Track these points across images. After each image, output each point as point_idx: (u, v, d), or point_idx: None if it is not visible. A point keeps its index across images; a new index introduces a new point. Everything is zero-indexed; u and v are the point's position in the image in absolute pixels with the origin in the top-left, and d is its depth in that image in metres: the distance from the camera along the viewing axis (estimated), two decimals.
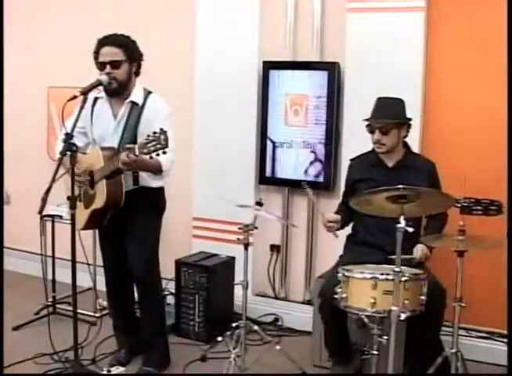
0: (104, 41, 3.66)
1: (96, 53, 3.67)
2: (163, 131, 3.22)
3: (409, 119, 3.76)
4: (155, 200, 3.86)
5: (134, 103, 3.71)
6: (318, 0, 4.65)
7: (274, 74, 4.79)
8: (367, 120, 3.74)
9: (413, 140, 4.02)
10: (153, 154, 3.26)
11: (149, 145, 3.23)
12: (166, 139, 3.21)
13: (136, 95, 3.72)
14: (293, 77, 4.75)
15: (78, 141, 3.59)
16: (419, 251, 3.51)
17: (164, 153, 3.25)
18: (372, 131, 3.73)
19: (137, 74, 3.78)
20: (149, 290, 3.92)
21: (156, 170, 3.60)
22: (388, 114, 3.69)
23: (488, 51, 4.20)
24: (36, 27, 5.75)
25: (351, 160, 4.00)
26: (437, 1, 4.31)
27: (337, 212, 3.92)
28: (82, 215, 3.72)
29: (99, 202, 3.62)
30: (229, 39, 4.85)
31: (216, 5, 4.91)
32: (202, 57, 4.96)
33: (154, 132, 3.24)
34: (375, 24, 4.40)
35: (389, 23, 4.35)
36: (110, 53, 3.62)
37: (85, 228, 3.79)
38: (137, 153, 3.29)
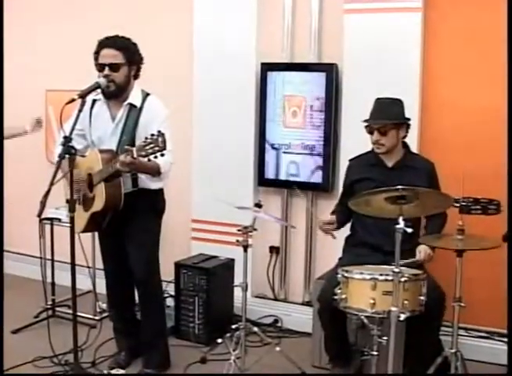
0: (104, 43, 3.65)
1: (96, 54, 3.67)
2: (160, 134, 3.23)
3: (408, 119, 3.77)
4: (154, 202, 3.86)
5: (132, 106, 3.71)
6: (315, 1, 4.66)
7: (272, 75, 4.79)
8: (366, 121, 3.75)
9: (412, 140, 4.03)
10: (151, 157, 3.26)
11: (147, 147, 3.24)
12: (164, 142, 3.22)
13: (134, 98, 3.71)
14: (291, 79, 4.75)
15: (77, 143, 3.58)
16: (422, 252, 3.50)
17: (162, 155, 3.25)
18: (371, 132, 3.74)
19: (136, 76, 3.76)
20: (149, 292, 3.92)
21: (155, 172, 3.60)
22: (387, 115, 3.70)
23: (486, 51, 4.21)
24: (34, 30, 5.75)
25: (350, 160, 4.01)
26: (434, 2, 4.32)
27: (332, 213, 3.93)
28: (81, 217, 3.72)
29: (98, 205, 3.62)
30: (227, 40, 4.86)
31: (214, 6, 4.91)
32: (200, 59, 4.96)
33: (152, 134, 3.24)
34: (372, 25, 4.40)
35: (386, 24, 4.36)
36: (110, 55, 3.62)
37: (85, 231, 3.79)
38: (135, 155, 3.29)
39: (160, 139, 3.22)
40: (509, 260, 3.50)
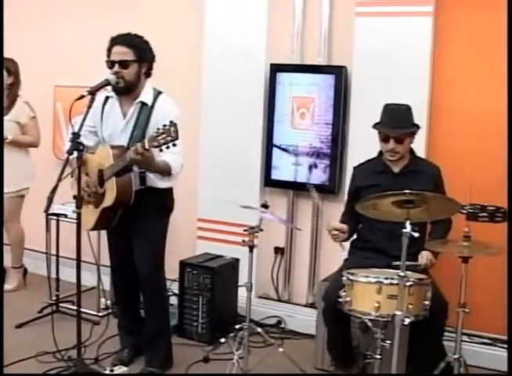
0: (116, 40, 3.66)
1: (108, 51, 3.68)
2: (173, 124, 3.23)
3: (419, 126, 3.76)
4: (163, 200, 3.85)
5: (143, 104, 3.71)
6: (326, 4, 4.66)
7: (281, 76, 4.79)
8: (375, 127, 3.71)
9: (419, 145, 4.02)
10: (163, 147, 3.27)
11: (159, 138, 3.25)
12: (176, 131, 3.22)
13: (146, 96, 3.72)
14: (300, 80, 4.75)
15: (88, 140, 3.61)
16: (424, 257, 3.50)
17: (174, 145, 3.26)
18: (385, 140, 3.70)
19: (148, 74, 3.76)
20: (154, 289, 3.92)
21: (165, 172, 3.61)
22: (404, 123, 3.66)
23: (496, 56, 4.19)
24: (43, 26, 5.76)
25: (355, 167, 3.98)
26: (445, 7, 4.31)
27: (342, 222, 3.87)
28: (92, 215, 3.71)
29: (109, 200, 3.61)
30: (237, 41, 4.86)
31: (224, 7, 4.91)
32: (209, 59, 4.97)
33: (164, 125, 3.25)
34: (383, 29, 4.40)
35: (397, 28, 4.36)
36: (120, 53, 3.63)
37: (95, 228, 3.80)
38: (147, 146, 3.29)
39: (172, 129, 3.22)
40: (509, 266, 3.50)
